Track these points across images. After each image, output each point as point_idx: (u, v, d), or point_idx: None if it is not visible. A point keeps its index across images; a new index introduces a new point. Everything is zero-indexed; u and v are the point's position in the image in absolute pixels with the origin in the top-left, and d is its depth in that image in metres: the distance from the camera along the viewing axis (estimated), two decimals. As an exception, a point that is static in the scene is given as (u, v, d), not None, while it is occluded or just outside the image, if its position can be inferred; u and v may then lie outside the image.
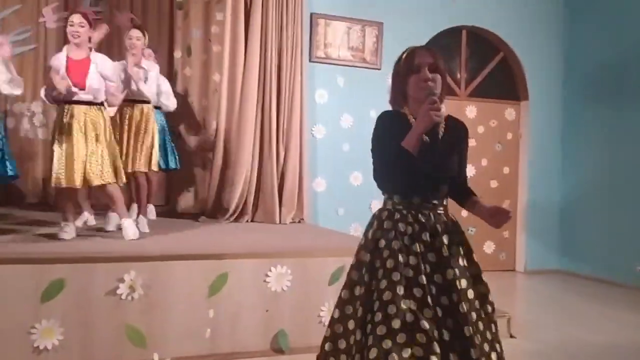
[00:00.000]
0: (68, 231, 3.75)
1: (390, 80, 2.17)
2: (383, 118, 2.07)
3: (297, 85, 5.66)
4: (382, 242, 1.97)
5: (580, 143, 6.87)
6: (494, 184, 6.98)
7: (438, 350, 1.80)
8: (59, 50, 6.01)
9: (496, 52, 6.99)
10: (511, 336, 4.15)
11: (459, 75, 6.93)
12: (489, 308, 2.02)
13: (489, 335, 1.97)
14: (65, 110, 3.75)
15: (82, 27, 3.77)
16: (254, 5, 5.52)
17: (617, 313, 5.02)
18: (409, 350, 1.78)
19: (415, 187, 2.01)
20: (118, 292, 3.23)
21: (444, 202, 2.08)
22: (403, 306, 1.84)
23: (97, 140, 3.74)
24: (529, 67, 6.93)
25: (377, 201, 6.13)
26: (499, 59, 7.01)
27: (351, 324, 2.00)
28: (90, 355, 3.20)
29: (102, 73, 3.83)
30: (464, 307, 1.89)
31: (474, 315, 1.94)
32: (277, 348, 3.60)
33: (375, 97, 6.02)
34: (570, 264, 6.87)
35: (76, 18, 3.78)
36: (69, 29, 3.78)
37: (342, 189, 6.08)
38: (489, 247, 6.97)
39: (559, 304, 5.46)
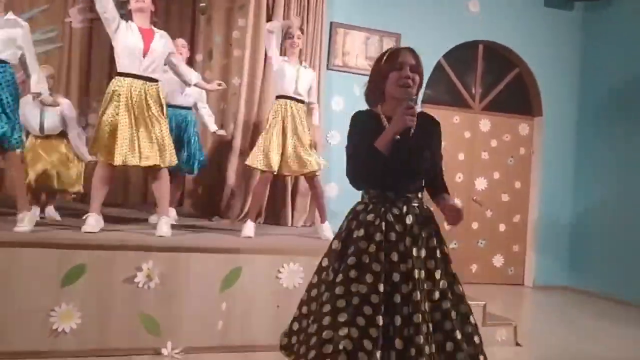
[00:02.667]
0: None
1: (368, 79, 2.23)
2: (357, 117, 2.16)
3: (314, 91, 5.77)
4: (356, 233, 2.06)
5: (592, 161, 6.91)
6: (505, 197, 7.03)
7: (374, 335, 1.90)
8: (84, 48, 6.30)
9: (512, 67, 7.07)
10: (517, 344, 4.20)
11: (473, 89, 7.01)
12: (459, 289, 2.10)
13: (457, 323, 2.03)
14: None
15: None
16: (275, 12, 5.67)
17: (624, 330, 5.03)
18: (346, 330, 1.89)
19: (388, 182, 2.08)
20: (135, 280, 3.33)
21: (419, 195, 2.15)
22: (353, 289, 1.96)
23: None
24: (543, 84, 7.00)
25: (388, 209, 6.21)
26: (515, 75, 7.10)
27: (313, 306, 2.11)
28: (106, 339, 3.29)
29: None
30: (418, 295, 1.96)
31: (445, 303, 2.02)
32: (287, 344, 3.66)
33: (391, 106, 6.14)
34: (578, 281, 6.88)
35: None
36: (133, 3, 3.74)
37: (354, 195, 6.12)
38: (498, 260, 7.01)
39: (566, 317, 5.48)
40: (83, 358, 3.21)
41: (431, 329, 1.98)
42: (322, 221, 4.63)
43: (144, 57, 3.76)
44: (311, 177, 4.57)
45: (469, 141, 6.92)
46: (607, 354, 4.19)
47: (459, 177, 6.85)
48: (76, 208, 5.12)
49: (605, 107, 6.81)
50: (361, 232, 2.04)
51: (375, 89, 2.17)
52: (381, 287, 1.95)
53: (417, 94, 2.13)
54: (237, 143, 5.71)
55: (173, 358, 3.35)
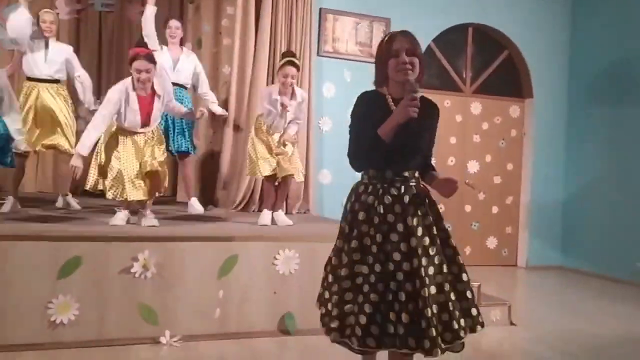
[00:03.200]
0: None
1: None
2: (362, 98, 2.21)
3: (305, 78, 5.76)
4: (361, 215, 2.14)
5: (583, 141, 6.95)
6: (497, 179, 7.08)
7: (368, 310, 2.05)
8: (72, 40, 6.23)
9: (502, 49, 7.08)
10: (511, 323, 4.26)
11: (464, 73, 7.02)
12: (456, 269, 2.18)
13: (452, 296, 2.13)
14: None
15: (149, 72, 3.67)
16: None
17: (616, 307, 5.11)
18: (350, 306, 2.10)
19: (387, 161, 2.15)
20: (132, 270, 3.35)
21: (415, 174, 2.24)
22: (356, 270, 2.11)
23: None
24: (534, 65, 7.02)
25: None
26: (505, 57, 7.11)
27: (346, 283, 2.17)
28: (104, 330, 3.31)
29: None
30: (422, 272, 2.06)
31: (438, 278, 2.12)
32: (284, 329, 3.71)
33: (382, 91, 6.15)
34: (571, 261, 6.96)
35: (142, 65, 3.63)
36: (135, 75, 3.66)
37: (347, 182, 6.13)
38: (491, 242, 7.07)
39: (559, 296, 5.55)
40: (82, 349, 3.22)
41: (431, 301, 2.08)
42: (277, 209, 4.55)
43: (143, 127, 3.79)
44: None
45: (461, 124, 6.94)
46: (601, 331, 4.26)
47: (451, 161, 6.88)
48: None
49: (595, 87, 6.84)
50: (363, 215, 2.14)
51: (380, 74, 2.23)
52: (378, 267, 2.08)
53: (420, 78, 2.18)
54: (230, 132, 5.71)
55: (171, 346, 3.38)
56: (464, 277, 2.18)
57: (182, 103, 4.90)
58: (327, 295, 2.24)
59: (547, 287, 6.09)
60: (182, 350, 3.36)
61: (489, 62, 7.08)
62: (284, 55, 4.50)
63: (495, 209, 7.08)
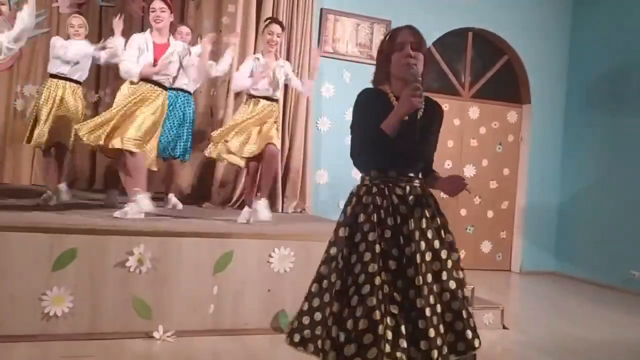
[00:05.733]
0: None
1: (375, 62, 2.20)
2: (364, 95, 2.09)
3: (305, 78, 5.77)
4: (362, 217, 2.01)
5: (579, 148, 6.99)
6: (493, 184, 7.10)
7: (392, 323, 1.90)
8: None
9: (501, 55, 7.11)
10: (504, 327, 4.28)
11: (463, 77, 7.05)
12: (461, 274, 2.09)
13: (465, 302, 2.03)
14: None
15: (164, 12, 3.93)
16: (265, -3, 5.65)
17: (609, 314, 5.13)
18: (378, 313, 1.87)
19: (391, 161, 2.04)
20: (127, 264, 3.34)
21: (419, 175, 2.13)
22: (377, 281, 1.91)
23: None
24: (532, 71, 7.06)
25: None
26: (504, 62, 7.14)
27: (327, 297, 2.03)
28: (98, 323, 3.31)
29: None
30: (420, 280, 1.94)
31: (452, 283, 2.01)
32: (278, 327, 3.70)
33: (381, 93, 6.17)
34: (565, 267, 6.99)
35: (157, 4, 3.93)
36: (151, 15, 3.94)
37: (344, 182, 6.15)
38: (486, 246, 7.09)
39: (552, 302, 5.57)
40: (75, 342, 3.21)
41: (438, 310, 1.97)
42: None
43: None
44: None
45: (458, 128, 6.97)
46: (592, 336, 4.28)
47: (448, 164, 6.90)
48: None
49: (592, 94, 6.88)
50: (366, 216, 2.00)
51: (381, 70, 2.13)
52: (383, 276, 1.94)
53: (424, 76, 2.09)
54: (228, 130, 5.70)
55: (165, 341, 3.38)
56: (465, 280, 2.10)
57: (189, 107, 5.04)
58: (318, 316, 2.04)
59: (541, 292, 6.11)
60: (175, 345, 3.36)
61: (488, 67, 7.12)
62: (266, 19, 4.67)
63: (490, 214, 7.10)
